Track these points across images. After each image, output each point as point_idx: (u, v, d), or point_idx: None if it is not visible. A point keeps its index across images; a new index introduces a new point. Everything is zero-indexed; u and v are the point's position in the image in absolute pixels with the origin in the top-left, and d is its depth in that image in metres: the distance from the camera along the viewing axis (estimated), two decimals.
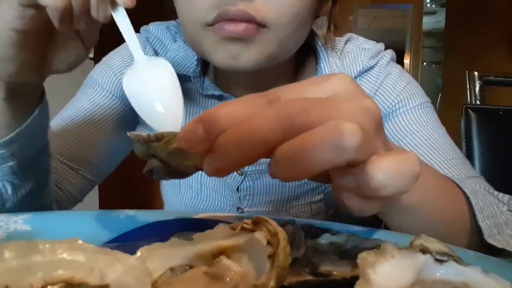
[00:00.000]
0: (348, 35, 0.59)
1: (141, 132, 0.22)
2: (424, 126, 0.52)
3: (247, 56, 0.42)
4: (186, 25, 0.45)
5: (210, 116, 0.19)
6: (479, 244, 0.37)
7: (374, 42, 0.58)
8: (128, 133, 0.24)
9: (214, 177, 0.54)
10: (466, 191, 0.39)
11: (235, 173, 0.54)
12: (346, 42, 0.57)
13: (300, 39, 0.48)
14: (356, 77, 0.54)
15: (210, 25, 0.42)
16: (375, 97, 0.54)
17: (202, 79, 0.54)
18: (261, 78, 0.49)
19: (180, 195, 0.59)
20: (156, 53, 0.58)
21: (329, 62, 0.53)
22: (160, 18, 0.60)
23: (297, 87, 0.22)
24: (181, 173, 0.23)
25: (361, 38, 0.59)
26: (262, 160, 0.57)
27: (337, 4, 0.52)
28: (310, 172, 0.18)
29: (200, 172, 0.60)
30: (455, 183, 0.39)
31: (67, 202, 0.55)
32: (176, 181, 0.59)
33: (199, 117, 0.20)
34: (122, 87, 0.54)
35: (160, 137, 0.22)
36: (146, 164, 0.24)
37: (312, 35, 0.54)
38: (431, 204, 0.33)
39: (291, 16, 0.42)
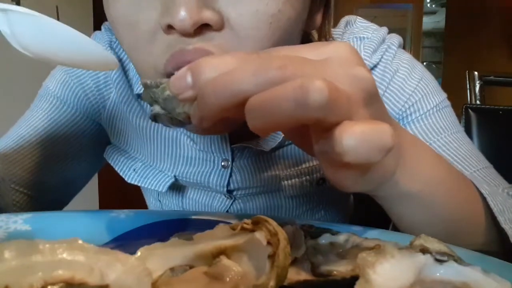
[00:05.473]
0: (346, 19, 0.51)
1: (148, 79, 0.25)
2: (441, 134, 0.45)
3: None
4: (137, 70, 0.35)
5: (198, 65, 0.20)
6: (501, 247, 0.36)
7: (375, 27, 0.49)
8: (141, 80, 0.25)
9: (197, 203, 0.51)
10: (484, 192, 0.37)
11: (223, 196, 0.50)
12: (343, 30, 0.49)
13: None
14: None
15: (165, 73, 0.31)
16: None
17: None
18: None
19: None
20: (121, 63, 0.48)
21: None
22: None
23: (293, 49, 0.22)
24: (180, 122, 0.24)
25: (359, 22, 0.50)
26: (252, 185, 0.53)
27: (329, 16, 0.42)
28: (277, 125, 0.19)
29: (181, 198, 0.54)
30: (473, 183, 0.37)
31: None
32: (158, 204, 0.56)
33: (189, 65, 0.20)
34: (86, 99, 0.49)
35: (159, 84, 0.23)
36: (151, 109, 0.25)
37: (304, 36, 0.44)
38: (438, 196, 0.31)
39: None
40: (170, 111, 0.24)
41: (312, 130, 0.21)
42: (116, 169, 0.51)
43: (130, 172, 0.51)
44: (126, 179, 0.51)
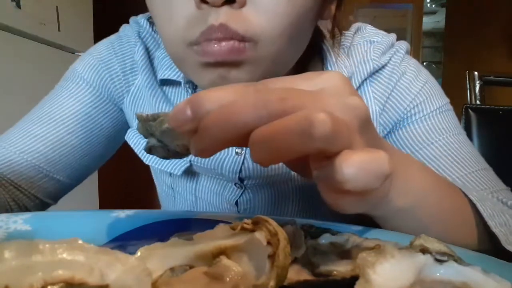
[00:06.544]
0: (356, 25, 0.54)
1: (143, 112, 0.25)
2: (443, 134, 0.48)
3: (238, 75, 0.37)
4: (166, 43, 0.39)
5: (197, 99, 0.21)
6: (493, 250, 0.36)
7: (384, 33, 0.52)
8: (135, 113, 0.27)
9: (210, 191, 0.53)
10: (472, 198, 0.38)
11: (234, 186, 0.51)
12: (354, 34, 0.52)
13: (298, 51, 0.42)
14: (366, 79, 0.49)
15: (193, 43, 0.36)
16: (388, 101, 0.49)
17: (193, 85, 0.50)
18: None
19: (175, 206, 0.58)
20: (148, 52, 0.53)
21: (337, 64, 0.48)
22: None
23: (288, 80, 0.23)
24: (176, 153, 0.25)
25: (369, 28, 0.53)
26: (263, 173, 0.55)
27: (341, 7, 0.46)
28: (282, 157, 0.19)
29: (194, 184, 0.59)
30: (461, 190, 0.39)
31: (35, 208, 0.51)
32: (170, 191, 0.57)
33: (188, 99, 0.21)
34: (111, 83, 0.53)
35: (156, 117, 0.24)
36: (147, 141, 0.26)
37: (317, 34, 0.49)
38: (429, 207, 0.32)
39: (283, 28, 0.36)
40: (168, 143, 0.24)
41: (311, 158, 0.22)
42: (135, 151, 0.53)
43: (148, 154, 0.52)
44: (144, 161, 0.53)
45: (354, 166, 0.19)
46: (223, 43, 0.34)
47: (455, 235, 0.36)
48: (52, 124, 0.51)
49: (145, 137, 0.25)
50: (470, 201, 0.38)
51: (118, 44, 0.54)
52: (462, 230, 0.37)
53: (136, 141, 0.53)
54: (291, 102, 0.20)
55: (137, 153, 0.53)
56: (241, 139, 0.20)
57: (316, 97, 0.21)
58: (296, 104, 0.20)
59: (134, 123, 0.55)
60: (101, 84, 0.53)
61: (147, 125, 0.24)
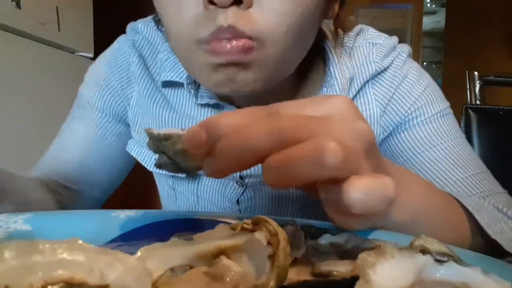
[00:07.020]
0: (359, 27, 0.54)
1: (153, 129, 0.26)
2: (444, 137, 0.49)
3: (245, 76, 0.37)
4: (174, 41, 0.40)
5: (212, 123, 0.22)
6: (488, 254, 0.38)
7: (386, 35, 0.53)
8: (144, 129, 0.27)
9: (212, 190, 0.54)
10: (469, 208, 0.39)
11: (235, 184, 0.52)
12: (356, 36, 0.53)
13: (302, 50, 0.42)
14: (368, 81, 0.50)
15: (202, 42, 0.36)
16: (390, 104, 0.50)
17: (196, 86, 0.50)
18: None
19: (177, 206, 0.58)
20: (143, 60, 0.53)
21: (339, 65, 0.48)
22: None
23: (298, 105, 0.24)
24: (186, 170, 0.26)
25: (371, 31, 0.54)
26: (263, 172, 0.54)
27: (344, 6, 0.47)
28: (294, 183, 0.20)
29: (196, 184, 0.61)
30: (458, 200, 0.40)
31: None
32: (172, 191, 0.58)
33: (203, 122, 0.22)
34: (113, 101, 0.55)
35: (168, 137, 0.24)
36: (157, 158, 0.27)
37: (319, 35, 0.49)
38: (428, 219, 0.33)
39: (288, 27, 0.36)
40: (181, 163, 0.25)
41: (319, 181, 0.23)
42: (138, 159, 0.55)
43: (151, 161, 0.54)
44: (148, 167, 0.54)
45: (361, 191, 0.20)
46: (233, 42, 0.35)
47: (452, 241, 0.37)
48: (70, 150, 0.55)
49: (155, 153, 0.26)
50: (467, 209, 0.39)
51: (113, 59, 0.55)
52: (459, 238, 0.38)
53: (138, 151, 0.54)
54: (304, 129, 0.21)
55: (140, 161, 0.54)
56: (254, 162, 0.21)
57: (324, 123, 0.22)
58: (308, 132, 0.20)
59: (133, 132, 0.56)
60: (104, 104, 0.55)
61: (160, 144, 0.25)
